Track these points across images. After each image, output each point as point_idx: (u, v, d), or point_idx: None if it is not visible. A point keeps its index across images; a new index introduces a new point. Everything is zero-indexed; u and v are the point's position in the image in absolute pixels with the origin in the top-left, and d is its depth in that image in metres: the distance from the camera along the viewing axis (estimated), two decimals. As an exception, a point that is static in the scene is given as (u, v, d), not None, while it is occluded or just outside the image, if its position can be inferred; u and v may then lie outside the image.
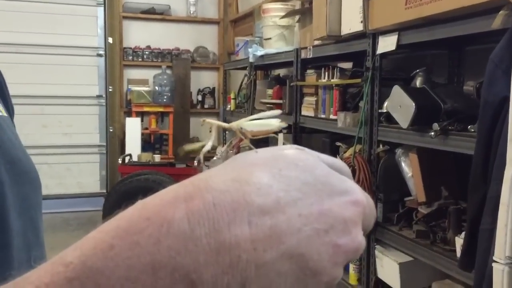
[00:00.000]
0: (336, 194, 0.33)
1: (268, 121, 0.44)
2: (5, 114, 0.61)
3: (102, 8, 5.58)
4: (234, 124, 0.42)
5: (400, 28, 2.02)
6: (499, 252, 1.19)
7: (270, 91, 3.68)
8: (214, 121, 0.42)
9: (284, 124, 0.43)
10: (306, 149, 0.36)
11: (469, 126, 1.73)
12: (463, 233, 1.62)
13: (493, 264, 1.20)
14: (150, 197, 0.32)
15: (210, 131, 0.43)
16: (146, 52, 5.98)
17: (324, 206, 0.32)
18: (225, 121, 5.20)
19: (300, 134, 3.13)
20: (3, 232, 0.51)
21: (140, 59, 5.98)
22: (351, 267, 2.48)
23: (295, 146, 0.36)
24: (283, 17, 3.52)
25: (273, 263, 0.30)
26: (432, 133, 1.79)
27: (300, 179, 0.32)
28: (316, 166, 0.33)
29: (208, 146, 0.42)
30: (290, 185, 0.32)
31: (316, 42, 2.82)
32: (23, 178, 0.58)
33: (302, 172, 0.33)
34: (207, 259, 0.29)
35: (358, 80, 2.45)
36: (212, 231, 0.29)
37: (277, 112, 0.45)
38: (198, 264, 0.29)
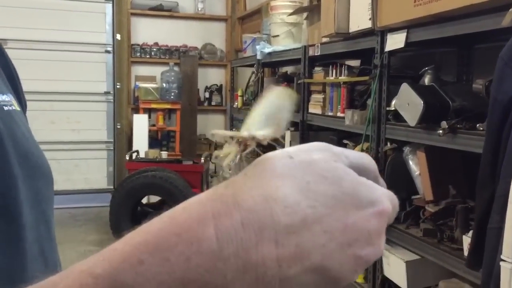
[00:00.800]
0: (362, 206, 0.33)
1: (276, 109, 0.42)
2: (18, 108, 0.61)
3: (110, 5, 5.60)
4: (246, 133, 0.41)
5: (409, 26, 2.01)
6: (507, 251, 1.18)
7: (277, 89, 3.67)
8: (223, 132, 0.41)
9: (292, 93, 0.41)
10: (333, 149, 0.35)
11: (477, 125, 1.72)
12: (471, 231, 1.62)
13: (501, 263, 1.19)
14: (177, 210, 0.32)
15: (226, 142, 0.42)
16: (154, 49, 6.00)
17: (350, 220, 0.32)
18: (232, 118, 5.20)
19: (307, 131, 3.13)
20: (16, 225, 0.52)
21: (148, 56, 5.99)
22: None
23: (322, 146, 0.36)
24: (291, 14, 3.51)
25: (297, 277, 0.31)
26: (440, 131, 1.78)
27: (328, 194, 0.32)
28: (344, 176, 0.33)
29: (231, 157, 0.41)
30: (317, 200, 0.32)
31: (324, 40, 2.81)
32: (36, 172, 0.58)
33: (330, 185, 0.33)
34: (234, 276, 0.30)
35: (366, 78, 2.44)
36: (240, 251, 0.30)
37: (279, 88, 0.42)
38: (225, 281, 0.30)
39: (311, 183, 0.32)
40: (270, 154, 0.35)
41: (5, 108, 0.57)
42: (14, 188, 0.52)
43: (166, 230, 0.31)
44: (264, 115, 0.42)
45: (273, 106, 0.42)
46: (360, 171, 0.35)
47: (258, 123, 0.41)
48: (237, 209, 0.31)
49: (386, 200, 0.34)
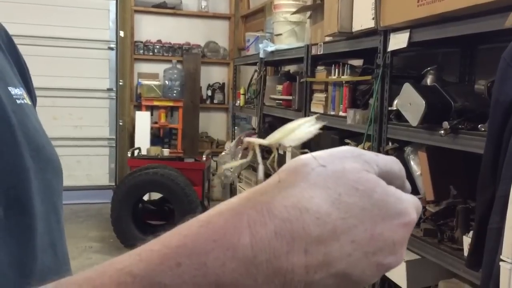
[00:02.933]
0: (390, 218, 0.35)
1: (304, 128, 0.43)
2: (29, 102, 0.62)
3: (114, 2, 5.60)
4: (273, 141, 0.41)
5: (412, 26, 2.01)
6: (507, 251, 1.18)
7: (279, 87, 3.68)
8: (254, 140, 0.42)
9: (321, 123, 0.43)
10: (365, 156, 0.37)
11: (479, 125, 1.72)
12: (471, 232, 1.62)
13: (501, 263, 1.19)
14: (213, 215, 0.34)
15: (246, 149, 0.43)
16: (157, 46, 6.00)
17: (377, 231, 0.34)
18: (234, 117, 5.21)
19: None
20: (28, 216, 0.53)
21: (150, 53, 6.00)
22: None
23: (353, 153, 0.37)
24: (294, 13, 3.51)
25: (321, 281, 0.33)
26: (442, 132, 1.78)
27: (358, 206, 0.34)
28: (374, 189, 0.35)
29: (260, 169, 0.42)
30: (348, 212, 0.34)
31: (327, 39, 2.81)
32: (47, 165, 0.59)
33: (361, 197, 0.34)
34: (264, 280, 0.32)
35: (369, 77, 2.44)
36: (272, 258, 0.32)
37: (311, 118, 0.44)
38: (255, 283, 0.32)
39: (342, 195, 0.34)
40: (302, 158, 0.37)
41: (18, 101, 0.58)
42: (26, 181, 0.53)
43: (204, 235, 0.32)
44: (289, 130, 0.43)
45: (298, 126, 0.44)
46: (389, 178, 0.37)
47: (288, 138, 0.43)
48: (271, 218, 0.32)
49: (413, 210, 0.36)
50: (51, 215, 0.58)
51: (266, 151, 0.44)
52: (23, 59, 0.68)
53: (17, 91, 0.59)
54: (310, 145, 0.39)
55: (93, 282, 0.31)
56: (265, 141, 0.42)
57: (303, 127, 0.43)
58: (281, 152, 0.45)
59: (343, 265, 0.33)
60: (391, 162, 0.38)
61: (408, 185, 0.40)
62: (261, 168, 0.41)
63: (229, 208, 0.34)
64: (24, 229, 0.52)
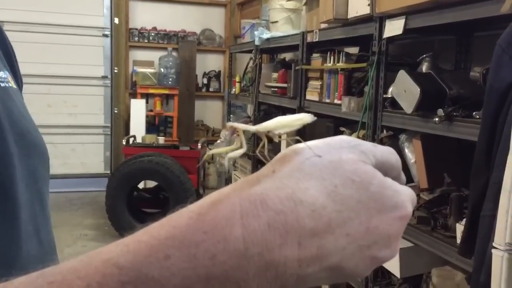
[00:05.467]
0: (386, 211, 0.34)
1: (296, 119, 0.42)
2: (14, 86, 0.60)
3: (108, -12, 5.55)
4: (261, 128, 0.40)
5: (408, 12, 1.99)
6: (499, 239, 1.18)
7: (275, 75, 3.66)
8: (238, 125, 0.40)
9: (314, 117, 0.42)
10: (361, 146, 0.36)
11: (474, 113, 1.71)
12: (464, 220, 1.62)
13: (493, 250, 1.19)
14: (205, 205, 0.32)
15: (237, 135, 0.41)
16: (152, 34, 5.95)
17: (372, 224, 0.34)
18: (229, 105, 5.19)
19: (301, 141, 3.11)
20: (11, 203, 0.51)
21: (146, 41, 5.95)
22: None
23: (350, 143, 0.36)
24: None
25: (313, 274, 0.33)
26: (437, 119, 1.77)
27: (354, 198, 0.33)
28: (371, 181, 0.34)
29: (239, 152, 0.41)
30: (344, 204, 0.33)
31: (323, 26, 2.78)
32: (32, 150, 0.57)
33: (357, 189, 0.33)
34: (255, 273, 0.31)
35: (364, 65, 2.42)
36: (264, 251, 0.31)
37: (307, 115, 0.43)
38: (247, 277, 0.31)
39: (338, 186, 0.33)
40: (297, 148, 0.36)
41: (2, 84, 0.57)
42: (10, 166, 0.52)
43: (194, 227, 0.31)
44: (279, 122, 0.42)
45: (289, 119, 0.43)
46: (385, 169, 0.36)
47: (277, 125, 0.41)
48: (265, 210, 0.31)
49: (409, 204, 0.36)
50: (36, 202, 0.57)
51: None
52: (9, 42, 0.66)
53: (2, 74, 0.57)
54: (304, 133, 0.38)
55: (78, 273, 0.30)
56: (251, 127, 0.40)
57: (295, 118, 0.42)
58: (276, 141, 0.43)
59: (337, 258, 0.33)
60: (388, 153, 0.37)
61: (403, 176, 0.39)
62: (240, 152, 0.40)
63: (221, 198, 0.33)
64: (7, 216, 0.51)
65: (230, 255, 0.30)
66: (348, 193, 0.33)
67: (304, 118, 0.42)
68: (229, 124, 0.40)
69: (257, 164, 3.76)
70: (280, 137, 0.41)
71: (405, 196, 0.36)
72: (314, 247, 0.32)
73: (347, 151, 0.35)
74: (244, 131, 0.40)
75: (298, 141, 0.37)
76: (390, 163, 0.37)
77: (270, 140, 0.42)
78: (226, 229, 0.31)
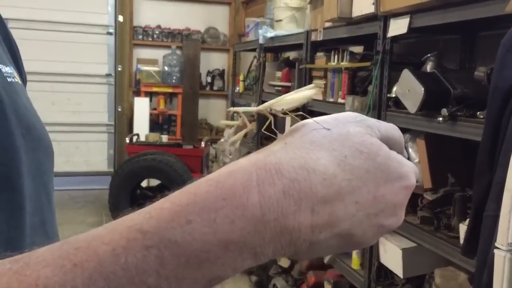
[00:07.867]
0: (391, 180, 0.36)
1: (300, 93, 0.44)
2: (19, 81, 0.61)
3: (113, -14, 5.55)
4: (262, 107, 0.42)
5: (412, 11, 1.98)
6: (502, 239, 1.17)
7: (279, 74, 3.65)
8: (239, 108, 0.42)
9: (318, 91, 0.44)
10: (367, 121, 0.38)
11: (478, 112, 1.70)
12: (468, 220, 1.61)
13: (495, 251, 1.18)
14: (222, 174, 0.34)
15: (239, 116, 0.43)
16: (156, 32, 5.96)
17: (379, 193, 0.35)
18: (233, 103, 5.18)
19: (307, 118, 3.10)
20: (18, 195, 0.52)
21: (150, 39, 5.96)
22: (354, 252, 2.47)
23: (357, 118, 0.38)
24: (294, -2, 3.47)
25: (325, 241, 0.34)
26: (440, 119, 1.77)
27: (363, 168, 0.35)
28: (378, 152, 0.36)
29: (242, 133, 0.43)
30: (353, 174, 0.35)
31: (327, 24, 2.78)
32: (37, 144, 0.58)
33: (365, 160, 0.35)
34: (271, 238, 0.33)
35: (368, 64, 2.42)
36: (280, 217, 0.32)
37: (311, 90, 0.45)
38: (263, 242, 0.32)
39: (348, 157, 0.35)
40: (307, 122, 0.38)
41: (8, 79, 0.57)
42: (17, 159, 0.52)
43: (214, 194, 0.32)
44: (283, 99, 0.43)
45: (296, 94, 0.44)
46: (390, 143, 0.38)
47: (280, 102, 0.43)
48: (280, 178, 0.33)
49: (413, 175, 0.38)
50: (42, 195, 0.58)
51: (265, 138, 0.44)
52: (12, 38, 0.67)
53: (8, 69, 0.58)
54: (305, 110, 0.38)
55: (103, 239, 0.31)
56: (253, 108, 0.42)
57: (299, 93, 0.43)
58: (280, 115, 0.45)
59: (347, 225, 0.34)
60: (392, 129, 0.40)
61: (405, 152, 0.41)
62: (244, 131, 0.41)
63: (238, 168, 0.34)
64: (13, 207, 0.51)
65: (248, 221, 0.32)
66: (356, 163, 0.35)
67: (309, 93, 0.43)
68: (231, 108, 0.41)
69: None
70: (284, 113, 0.43)
71: (409, 168, 0.38)
72: (326, 213, 0.34)
73: (354, 125, 0.37)
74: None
75: (303, 117, 0.39)
76: (394, 137, 0.39)
77: (274, 117, 0.43)
78: (244, 196, 0.32)
